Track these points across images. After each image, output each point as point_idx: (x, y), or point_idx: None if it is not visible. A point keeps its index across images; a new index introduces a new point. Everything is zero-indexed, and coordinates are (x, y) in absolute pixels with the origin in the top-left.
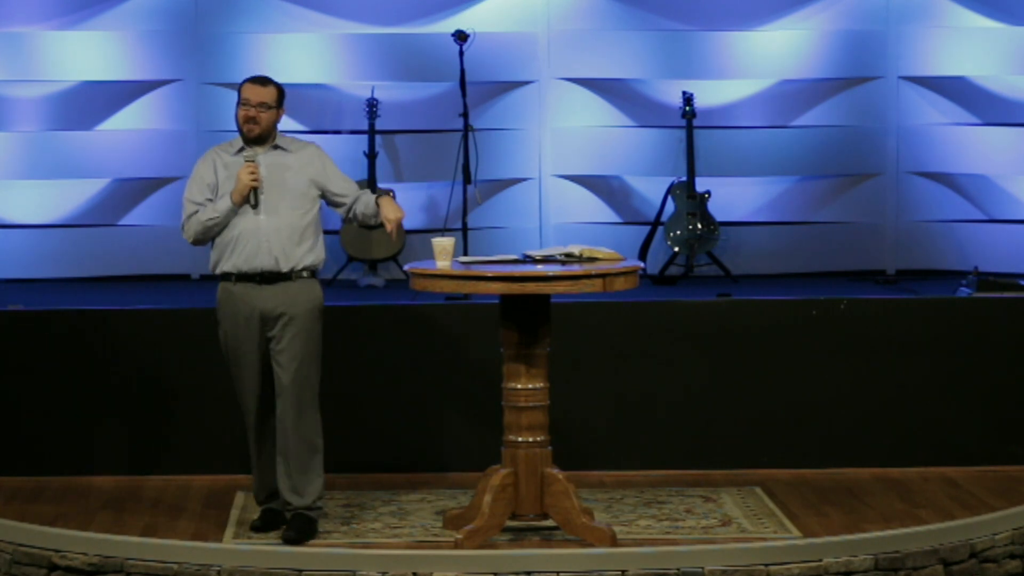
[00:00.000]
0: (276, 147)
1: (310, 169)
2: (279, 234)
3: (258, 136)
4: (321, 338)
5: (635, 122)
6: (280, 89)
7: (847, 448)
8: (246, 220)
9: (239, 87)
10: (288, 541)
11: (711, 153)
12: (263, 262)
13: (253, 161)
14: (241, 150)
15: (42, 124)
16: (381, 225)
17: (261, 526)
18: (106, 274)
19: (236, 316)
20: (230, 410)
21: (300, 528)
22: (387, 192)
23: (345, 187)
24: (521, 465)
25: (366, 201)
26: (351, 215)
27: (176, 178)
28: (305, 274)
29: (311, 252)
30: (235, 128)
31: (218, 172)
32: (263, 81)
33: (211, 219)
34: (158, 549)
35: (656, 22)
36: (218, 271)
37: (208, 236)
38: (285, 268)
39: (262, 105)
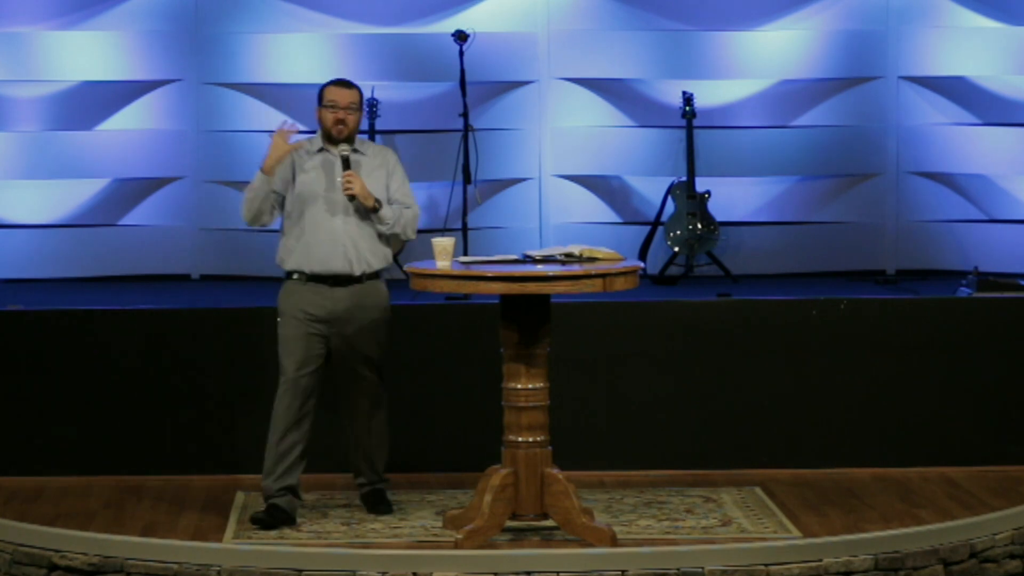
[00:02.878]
0: (355, 150)
1: (383, 171)
2: (352, 237)
3: (347, 137)
4: (390, 333)
5: (635, 122)
6: (361, 92)
7: (847, 448)
8: (323, 221)
9: (321, 89)
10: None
11: (711, 153)
12: (337, 265)
13: (348, 156)
14: (321, 150)
15: (42, 124)
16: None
17: (269, 521)
18: (106, 274)
19: (302, 313)
20: (230, 410)
21: (385, 501)
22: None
23: (402, 197)
24: (521, 465)
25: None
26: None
27: (176, 178)
28: (374, 276)
29: (380, 256)
30: (232, 128)
31: (296, 170)
32: (348, 84)
33: (249, 190)
34: (158, 549)
35: (656, 22)
36: (287, 268)
37: (252, 209)
38: (358, 272)
39: (351, 106)
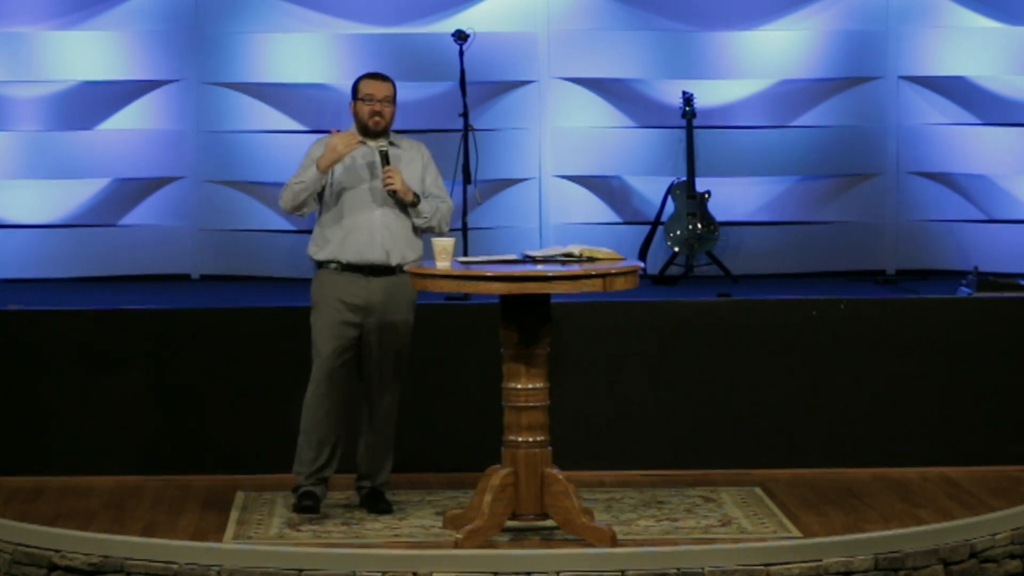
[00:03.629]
0: (391, 143)
1: (418, 164)
2: (390, 228)
3: (383, 129)
4: (413, 329)
5: (635, 122)
6: (395, 84)
7: (847, 448)
8: (361, 213)
9: (356, 83)
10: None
11: (711, 153)
12: (374, 255)
13: (387, 151)
14: (359, 143)
15: (42, 124)
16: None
17: (311, 505)
18: (106, 274)
19: (338, 302)
20: (230, 410)
21: (384, 500)
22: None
23: (437, 190)
24: (521, 465)
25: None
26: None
27: (176, 178)
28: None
29: (415, 248)
30: (232, 128)
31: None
32: (383, 77)
33: (298, 182)
34: (158, 549)
35: (656, 22)
36: (319, 258)
37: (297, 200)
38: (394, 262)
39: (387, 100)
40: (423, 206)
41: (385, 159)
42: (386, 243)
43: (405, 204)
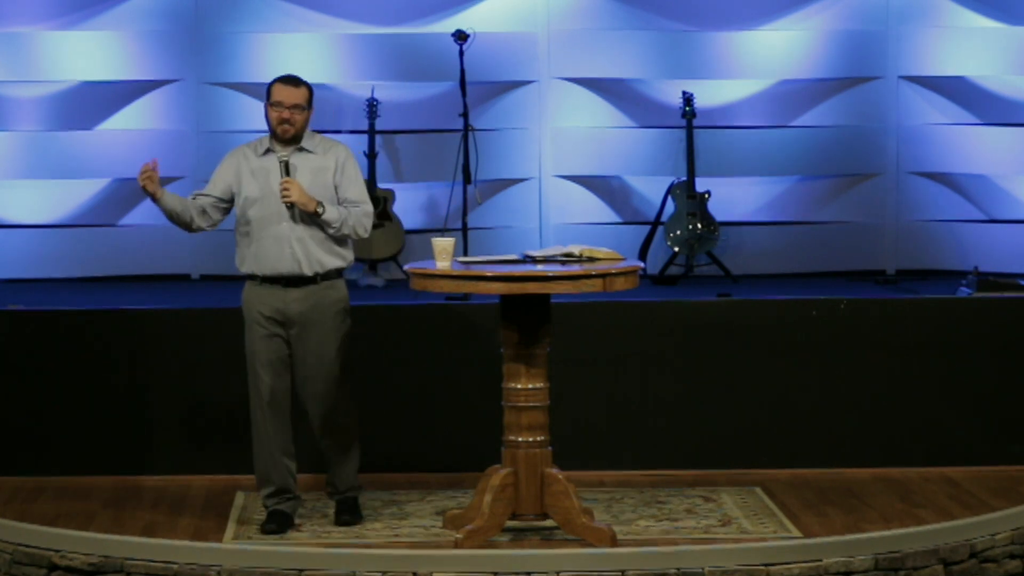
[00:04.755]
0: (301, 149)
1: (330, 171)
2: (300, 239)
3: (293, 137)
4: (348, 334)
5: (635, 122)
6: (311, 89)
7: (847, 448)
8: (270, 224)
9: (268, 87)
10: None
11: (711, 153)
12: (287, 266)
13: (287, 161)
14: (267, 151)
15: (42, 124)
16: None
17: (276, 528)
18: (106, 274)
19: (259, 316)
20: (230, 410)
21: (352, 510)
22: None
23: (352, 195)
24: (521, 465)
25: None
26: None
27: (177, 178)
28: (331, 276)
29: (336, 255)
30: (232, 128)
31: (242, 175)
32: (295, 82)
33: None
34: (158, 549)
35: (656, 22)
36: (243, 271)
37: (177, 224)
38: (309, 272)
39: (296, 107)
40: (329, 215)
41: (284, 170)
42: (298, 254)
43: (310, 214)
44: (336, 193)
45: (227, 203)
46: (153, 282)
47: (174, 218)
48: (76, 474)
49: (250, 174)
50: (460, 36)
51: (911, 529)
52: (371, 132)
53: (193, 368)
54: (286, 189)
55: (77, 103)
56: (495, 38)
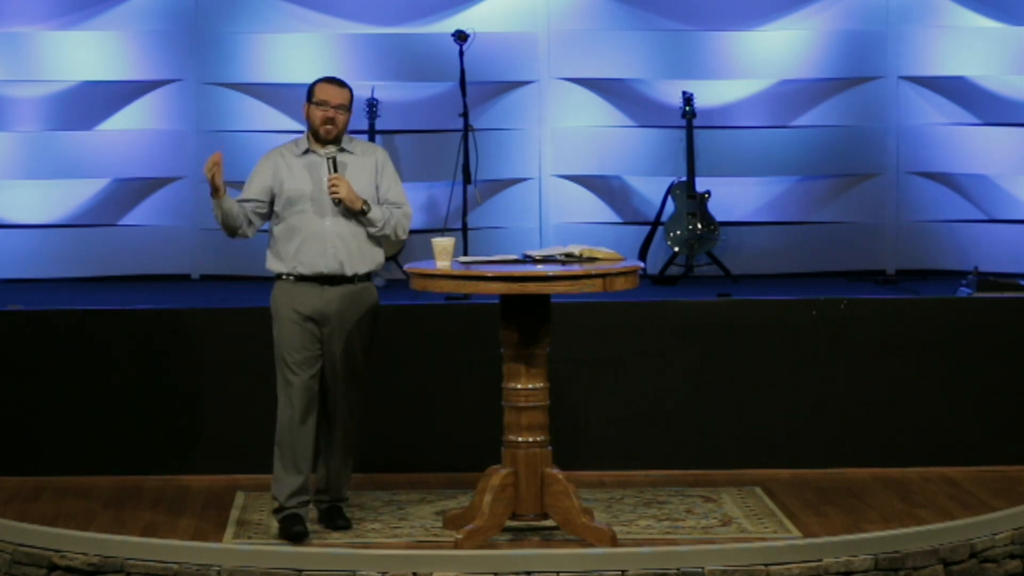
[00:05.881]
0: (342, 149)
1: (371, 171)
2: (343, 238)
3: (335, 137)
4: (375, 338)
5: (635, 122)
6: (352, 91)
7: (847, 448)
8: (313, 223)
9: (311, 87)
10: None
11: (711, 153)
12: (328, 266)
13: (335, 158)
14: (307, 151)
15: (42, 124)
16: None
17: (305, 531)
18: (106, 274)
19: (295, 314)
20: (230, 410)
21: (343, 515)
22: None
23: (394, 196)
24: (521, 465)
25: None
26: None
27: (176, 178)
28: (366, 278)
29: (373, 257)
30: (232, 128)
31: (281, 175)
32: (339, 83)
33: (216, 213)
34: (158, 549)
35: (656, 22)
36: (277, 270)
37: (227, 227)
38: (349, 272)
39: (341, 107)
40: (374, 214)
41: (333, 166)
42: (340, 254)
43: (355, 213)
44: (377, 193)
45: (267, 206)
46: (153, 282)
47: (228, 219)
48: (76, 474)
49: (291, 173)
50: (460, 36)
51: (911, 529)
52: (371, 132)
53: (193, 368)
54: (335, 185)
55: (77, 103)
56: (495, 38)
